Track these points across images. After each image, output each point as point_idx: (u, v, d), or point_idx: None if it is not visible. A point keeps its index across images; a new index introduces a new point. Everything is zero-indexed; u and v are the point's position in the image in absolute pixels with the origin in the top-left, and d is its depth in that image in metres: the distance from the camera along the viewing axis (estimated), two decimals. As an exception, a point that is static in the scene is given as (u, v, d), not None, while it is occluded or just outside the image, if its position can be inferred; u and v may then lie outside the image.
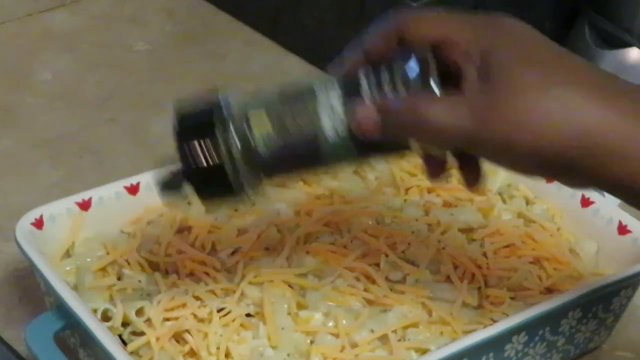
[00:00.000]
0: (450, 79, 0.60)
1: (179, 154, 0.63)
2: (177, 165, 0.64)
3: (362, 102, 0.61)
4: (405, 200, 0.86)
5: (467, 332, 0.73)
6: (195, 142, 0.62)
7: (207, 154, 0.62)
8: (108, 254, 0.78)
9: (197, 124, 0.63)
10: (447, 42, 0.61)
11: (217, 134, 0.62)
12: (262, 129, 0.62)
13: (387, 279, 0.77)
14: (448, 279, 0.78)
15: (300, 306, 0.75)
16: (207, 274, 0.76)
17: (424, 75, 0.61)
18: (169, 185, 0.65)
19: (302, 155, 0.63)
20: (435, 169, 0.66)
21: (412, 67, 0.61)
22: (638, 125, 0.57)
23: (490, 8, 1.10)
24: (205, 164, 0.62)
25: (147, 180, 0.82)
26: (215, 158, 0.62)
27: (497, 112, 0.58)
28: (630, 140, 0.57)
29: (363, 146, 0.62)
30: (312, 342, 0.72)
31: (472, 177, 0.65)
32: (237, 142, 0.62)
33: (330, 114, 0.62)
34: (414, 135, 0.61)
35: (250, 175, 0.63)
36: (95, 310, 0.72)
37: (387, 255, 0.79)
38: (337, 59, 0.65)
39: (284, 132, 0.62)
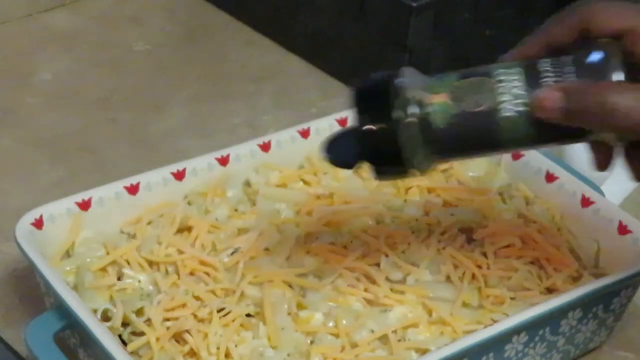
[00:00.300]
0: (632, 71, 0.62)
1: (356, 126, 0.64)
2: (347, 134, 0.67)
3: (547, 85, 0.62)
4: (405, 200, 0.86)
5: (467, 332, 0.73)
6: (372, 115, 0.64)
7: (382, 126, 0.64)
8: (108, 254, 0.78)
9: (376, 96, 0.64)
10: (632, 34, 0.62)
11: (395, 108, 0.63)
12: (440, 106, 0.63)
13: (387, 279, 0.77)
14: (448, 279, 0.78)
15: (300, 306, 0.75)
16: (207, 274, 0.76)
17: (608, 65, 0.62)
18: (339, 157, 0.68)
19: (479, 135, 0.64)
20: (603, 158, 0.67)
21: (597, 57, 0.62)
22: None
23: (490, 8, 1.10)
24: (380, 136, 0.64)
25: (147, 180, 0.82)
26: (390, 130, 0.63)
27: None
28: None
29: (540, 130, 0.63)
30: (312, 342, 0.72)
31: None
32: (414, 117, 0.63)
33: (511, 96, 0.63)
34: (599, 120, 0.62)
35: (424, 152, 0.64)
36: (95, 310, 0.72)
37: (387, 255, 0.79)
38: (516, 48, 0.67)
39: (462, 110, 0.63)
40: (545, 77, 0.63)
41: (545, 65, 0.63)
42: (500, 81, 0.63)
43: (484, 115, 0.63)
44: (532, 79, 0.63)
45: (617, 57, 0.62)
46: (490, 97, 0.63)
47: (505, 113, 0.63)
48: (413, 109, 0.63)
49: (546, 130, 0.63)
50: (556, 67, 0.63)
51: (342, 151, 0.68)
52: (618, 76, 0.62)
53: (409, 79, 0.64)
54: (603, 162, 0.67)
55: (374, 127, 0.64)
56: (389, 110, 0.63)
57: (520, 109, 0.63)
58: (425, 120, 0.63)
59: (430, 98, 0.63)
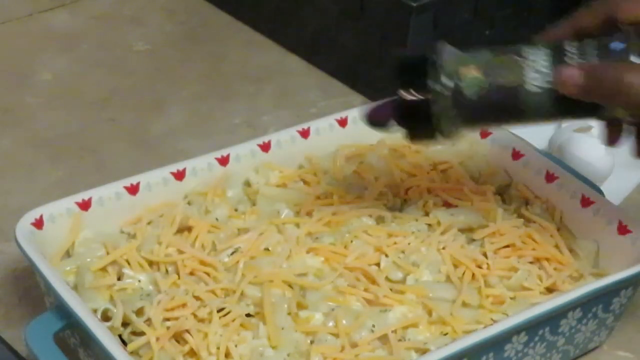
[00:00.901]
0: None
1: (395, 91, 0.72)
2: (385, 101, 0.74)
3: (569, 64, 0.69)
4: (405, 200, 0.86)
5: (467, 332, 0.73)
6: (410, 82, 0.72)
7: (418, 93, 0.71)
8: (108, 254, 0.78)
9: (414, 67, 0.72)
10: None
11: (430, 76, 0.71)
12: (471, 77, 0.71)
13: (387, 279, 0.77)
14: (448, 279, 0.78)
15: (300, 306, 0.75)
16: (207, 274, 0.76)
17: (628, 50, 0.69)
18: (376, 118, 0.76)
19: (505, 107, 0.71)
20: (614, 134, 0.74)
21: (618, 42, 0.69)
22: None
23: (490, 8, 1.10)
24: (415, 104, 0.71)
25: (147, 180, 0.82)
26: (426, 99, 0.71)
27: None
28: None
29: (560, 105, 0.70)
30: (312, 342, 0.72)
31: None
32: (447, 86, 0.70)
33: (536, 72, 0.70)
34: (613, 98, 0.69)
35: (454, 120, 0.72)
36: (95, 310, 0.72)
37: (387, 255, 0.79)
38: (547, 30, 0.74)
39: (491, 81, 0.70)
40: (570, 57, 0.70)
41: (570, 47, 0.70)
42: (528, 59, 0.70)
43: (510, 89, 0.70)
44: (558, 58, 0.70)
45: (637, 42, 0.69)
46: (517, 73, 0.70)
47: (530, 88, 0.70)
48: (447, 82, 0.70)
49: (566, 106, 0.70)
50: (581, 50, 0.70)
51: (379, 114, 0.75)
52: (636, 59, 0.68)
53: (446, 53, 0.71)
54: (614, 138, 0.74)
55: (410, 95, 0.71)
56: (426, 81, 0.70)
57: (544, 85, 0.70)
58: (458, 92, 0.71)
59: (464, 72, 0.71)
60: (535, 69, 0.70)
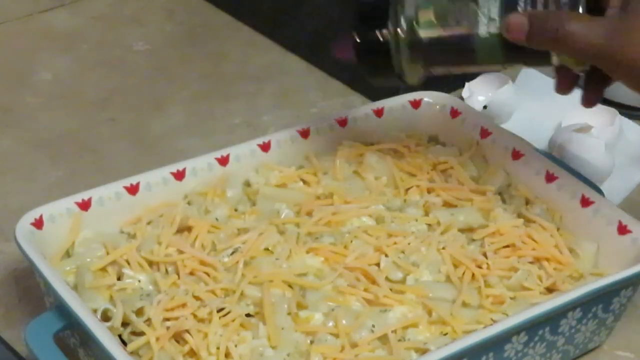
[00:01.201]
0: (596, 10, 0.72)
1: (355, 31, 0.78)
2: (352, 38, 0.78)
3: (517, 12, 0.73)
4: (405, 200, 0.86)
5: (467, 332, 0.73)
6: (369, 24, 0.77)
7: (377, 34, 0.76)
8: (108, 254, 0.78)
9: (374, 8, 0.77)
10: None
11: (389, 19, 0.76)
12: (427, 20, 0.75)
13: (387, 279, 0.77)
14: (448, 279, 0.78)
15: (300, 306, 0.75)
16: (207, 274, 0.76)
17: (577, 2, 0.72)
18: (343, 55, 0.81)
19: (457, 51, 0.76)
20: (565, 83, 0.78)
21: None
22: None
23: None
24: (375, 42, 0.76)
25: (147, 180, 0.82)
26: (384, 37, 0.76)
27: (628, 36, 0.69)
28: None
29: (509, 50, 0.74)
30: (312, 342, 0.72)
31: (593, 96, 0.78)
32: (403, 28, 0.75)
33: (488, 18, 0.74)
34: (554, 44, 0.72)
35: (411, 59, 0.77)
36: (95, 310, 0.72)
37: (387, 255, 0.79)
38: None
39: (445, 25, 0.75)
40: (521, 6, 0.73)
41: None
42: (481, 6, 0.74)
43: (463, 34, 0.75)
44: (509, 6, 0.74)
45: None
46: (469, 19, 0.74)
47: (482, 34, 0.74)
48: (405, 24, 0.75)
49: (514, 52, 0.74)
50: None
51: (345, 50, 0.79)
52: (580, 10, 0.72)
53: None
54: (565, 86, 0.78)
55: (368, 35, 0.77)
56: (385, 22, 0.76)
57: (493, 30, 0.74)
58: (413, 34, 0.75)
59: (421, 15, 0.75)
60: (488, 16, 0.74)
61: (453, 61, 0.78)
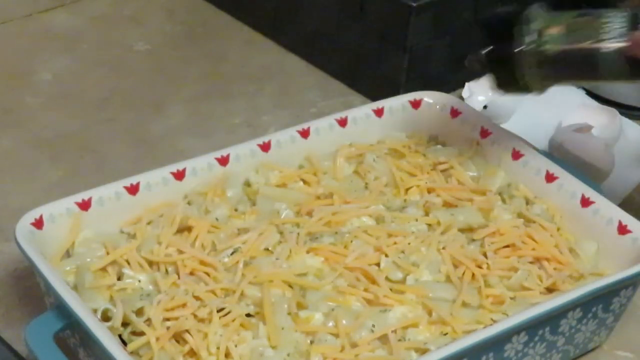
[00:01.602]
0: None
1: (485, 44, 0.81)
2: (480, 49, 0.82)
3: None
4: (405, 200, 0.86)
5: (467, 332, 0.73)
6: (498, 37, 0.80)
7: (506, 47, 0.79)
8: (108, 254, 0.78)
9: (503, 21, 0.80)
10: None
11: (518, 33, 0.78)
12: (553, 35, 0.77)
13: (387, 279, 0.77)
14: (448, 279, 0.78)
15: (300, 306, 0.75)
16: (207, 274, 0.76)
17: None
18: (471, 63, 0.83)
19: (582, 64, 0.78)
20: None
21: None
22: None
23: (490, 6, 1.10)
24: (504, 55, 0.79)
25: (147, 180, 0.82)
26: (512, 50, 0.78)
27: None
28: None
29: (634, 67, 0.76)
30: (312, 342, 0.72)
31: None
32: (531, 42, 0.78)
33: (613, 34, 0.76)
34: None
35: (537, 72, 0.79)
36: (95, 310, 0.72)
37: (387, 255, 0.79)
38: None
39: (572, 40, 0.77)
40: None
41: None
42: (608, 22, 0.76)
43: (588, 50, 0.77)
44: (636, 22, 0.75)
45: None
46: (596, 34, 0.76)
47: (606, 50, 0.76)
48: (531, 38, 0.78)
49: (638, 67, 0.76)
50: None
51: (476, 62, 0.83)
52: None
53: (534, 12, 0.78)
54: None
55: (498, 47, 0.80)
56: (512, 36, 0.78)
57: (620, 46, 0.76)
58: (540, 48, 0.78)
59: (547, 30, 0.77)
60: (613, 32, 0.76)
61: (579, 75, 0.81)
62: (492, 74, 0.82)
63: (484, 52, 0.81)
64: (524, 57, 0.78)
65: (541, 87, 0.81)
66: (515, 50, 0.78)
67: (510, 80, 0.80)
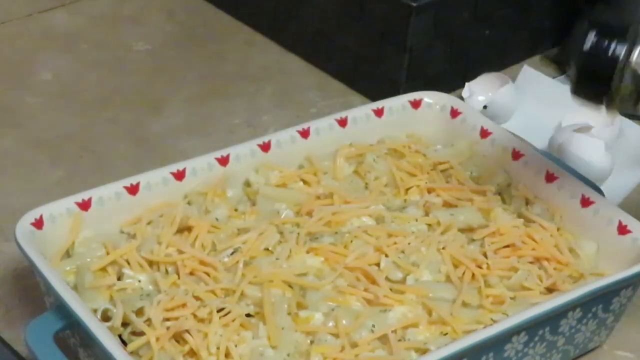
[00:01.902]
0: None
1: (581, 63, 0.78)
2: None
3: None
4: (405, 200, 0.86)
5: (467, 332, 0.73)
6: (595, 56, 0.77)
7: (601, 70, 0.77)
8: (108, 254, 0.78)
9: (610, 34, 0.77)
10: None
11: (618, 54, 0.76)
12: None
13: (387, 279, 0.77)
14: (448, 279, 0.78)
15: (300, 306, 0.75)
16: (207, 274, 0.76)
17: None
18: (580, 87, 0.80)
19: None
20: None
21: None
22: None
23: (490, 8, 1.10)
24: (597, 75, 0.77)
25: (147, 180, 0.82)
26: (609, 69, 0.76)
27: None
28: None
29: None
30: (312, 342, 0.72)
31: None
32: (633, 70, 0.76)
33: None
34: None
35: (627, 97, 0.77)
36: (95, 310, 0.72)
37: (387, 255, 0.79)
38: None
39: None
40: None
41: None
42: None
43: None
44: None
45: None
46: None
47: None
48: (635, 68, 0.76)
49: None
50: None
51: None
52: None
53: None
54: None
55: (592, 69, 0.77)
56: (614, 57, 0.76)
57: None
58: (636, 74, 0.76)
59: None
60: None
61: None
62: (580, 80, 0.79)
63: (578, 66, 0.79)
64: (622, 82, 0.76)
65: (632, 109, 0.79)
66: (615, 72, 0.76)
67: (597, 94, 0.78)
